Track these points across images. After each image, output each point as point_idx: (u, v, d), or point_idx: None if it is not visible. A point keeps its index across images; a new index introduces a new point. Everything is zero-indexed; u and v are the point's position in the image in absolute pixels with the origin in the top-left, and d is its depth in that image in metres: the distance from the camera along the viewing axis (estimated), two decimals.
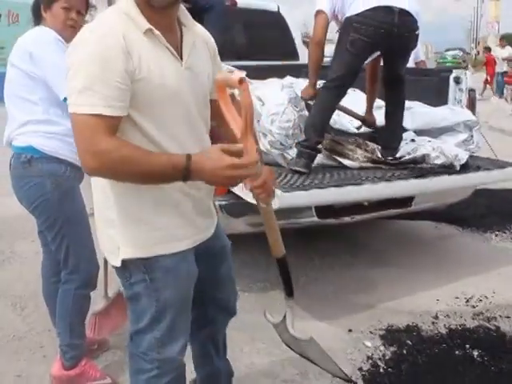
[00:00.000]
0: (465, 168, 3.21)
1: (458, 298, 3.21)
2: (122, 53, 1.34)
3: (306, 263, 3.69)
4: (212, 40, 1.66)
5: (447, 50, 36.12)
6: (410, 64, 5.54)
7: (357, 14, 2.98)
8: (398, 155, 3.22)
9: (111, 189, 1.48)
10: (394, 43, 3.03)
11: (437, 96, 3.81)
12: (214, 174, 1.32)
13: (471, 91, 3.77)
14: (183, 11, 1.53)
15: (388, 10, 2.91)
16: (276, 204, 2.65)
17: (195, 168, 1.32)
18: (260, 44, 4.68)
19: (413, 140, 3.46)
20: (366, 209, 3.29)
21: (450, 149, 3.20)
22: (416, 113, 3.64)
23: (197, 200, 1.57)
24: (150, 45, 1.41)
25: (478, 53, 43.89)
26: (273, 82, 3.55)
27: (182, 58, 1.48)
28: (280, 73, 3.73)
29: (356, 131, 3.59)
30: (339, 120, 3.64)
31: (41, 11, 2.22)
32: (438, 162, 3.12)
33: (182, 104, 1.48)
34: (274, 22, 4.47)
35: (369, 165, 3.21)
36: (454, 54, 33.22)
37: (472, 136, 3.56)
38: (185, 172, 1.32)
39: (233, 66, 2.97)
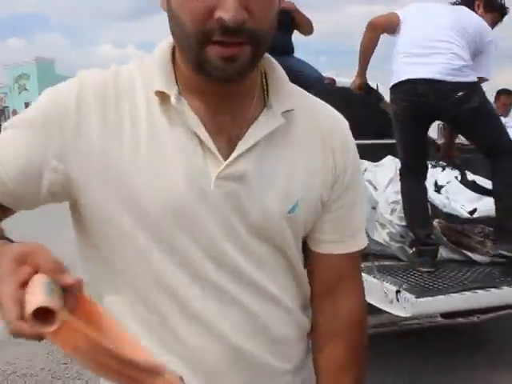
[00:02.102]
0: None
1: None
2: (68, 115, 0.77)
3: (420, 364, 3.29)
4: (343, 137, 0.92)
5: None
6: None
7: (392, 86, 2.84)
8: None
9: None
10: (431, 113, 2.74)
11: None
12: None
13: None
14: (279, 80, 0.85)
15: (411, 81, 2.70)
16: (408, 312, 2.37)
17: None
18: (360, 123, 4.53)
19: None
20: (496, 306, 2.93)
21: None
22: None
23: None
24: (161, 117, 0.79)
25: None
26: (385, 165, 3.33)
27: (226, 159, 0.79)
28: (384, 152, 3.53)
29: (469, 216, 3.26)
30: (449, 204, 3.33)
31: None
32: None
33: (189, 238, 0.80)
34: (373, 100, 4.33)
35: (501, 259, 2.86)
36: None
37: None
38: None
39: None
